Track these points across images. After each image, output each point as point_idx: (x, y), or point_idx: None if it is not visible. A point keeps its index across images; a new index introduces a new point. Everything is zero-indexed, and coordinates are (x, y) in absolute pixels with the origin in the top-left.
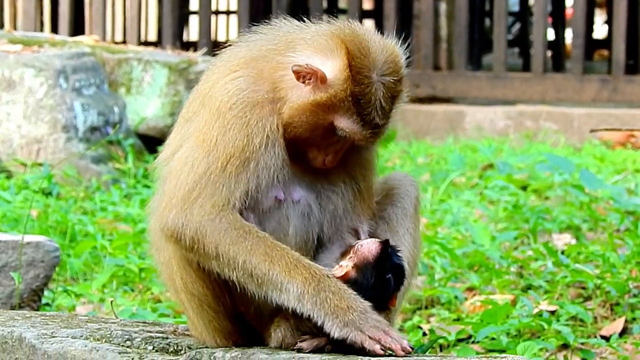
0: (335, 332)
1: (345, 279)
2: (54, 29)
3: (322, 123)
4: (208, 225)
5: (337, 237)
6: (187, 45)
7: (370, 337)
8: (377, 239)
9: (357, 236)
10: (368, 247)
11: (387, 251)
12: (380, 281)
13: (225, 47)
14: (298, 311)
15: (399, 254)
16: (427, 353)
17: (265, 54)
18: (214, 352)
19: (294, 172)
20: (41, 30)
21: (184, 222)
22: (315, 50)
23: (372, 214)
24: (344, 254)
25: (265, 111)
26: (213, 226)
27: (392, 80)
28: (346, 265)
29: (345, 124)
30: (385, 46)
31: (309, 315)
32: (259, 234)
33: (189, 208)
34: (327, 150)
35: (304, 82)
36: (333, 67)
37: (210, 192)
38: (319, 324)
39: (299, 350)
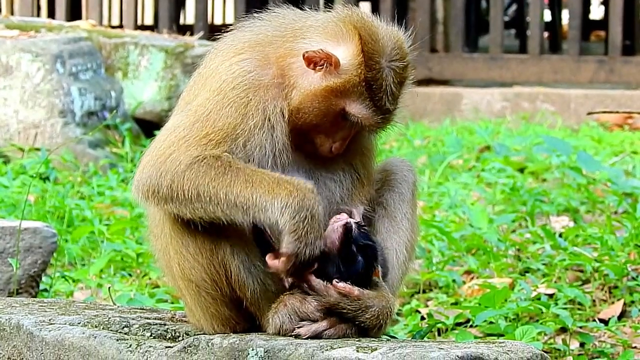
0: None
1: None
2: (51, 14)
3: (334, 109)
4: (185, 171)
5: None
6: (184, 29)
7: None
8: (342, 222)
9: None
10: (330, 237)
11: (350, 234)
12: (348, 261)
13: (226, 31)
14: (281, 223)
15: (365, 232)
16: (425, 338)
17: (271, 40)
18: (212, 339)
19: (294, 159)
20: (38, 15)
21: (158, 175)
22: (327, 36)
23: (370, 200)
24: None
25: (269, 95)
26: (190, 171)
27: (400, 66)
28: None
29: (357, 109)
30: (391, 32)
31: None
32: (238, 165)
33: (163, 160)
34: (335, 137)
35: (314, 69)
36: (346, 53)
37: (184, 149)
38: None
39: (297, 336)
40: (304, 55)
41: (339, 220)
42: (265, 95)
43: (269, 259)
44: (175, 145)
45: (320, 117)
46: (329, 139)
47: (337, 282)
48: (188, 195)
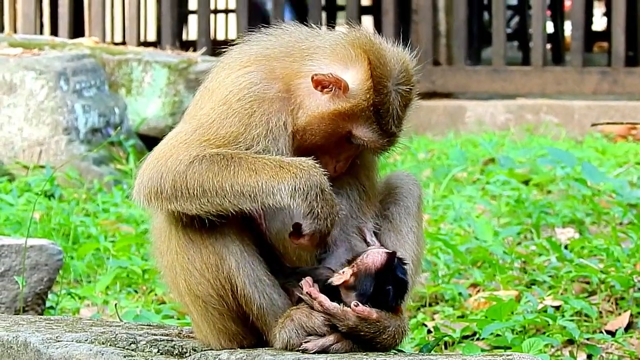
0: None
1: (344, 285)
2: (54, 31)
3: (340, 132)
4: (187, 169)
5: (342, 239)
6: (187, 45)
7: None
8: (385, 250)
9: (363, 236)
10: (373, 257)
11: (392, 264)
12: (380, 292)
13: (231, 45)
14: (293, 207)
15: (405, 267)
16: (432, 352)
17: (278, 56)
18: (219, 354)
19: None
20: (41, 32)
21: (159, 175)
22: (336, 59)
23: (377, 213)
24: (350, 261)
25: (274, 108)
26: (192, 169)
27: (406, 89)
28: (345, 273)
29: (363, 132)
30: (398, 55)
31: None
32: (239, 155)
33: (163, 162)
34: (339, 157)
35: (321, 91)
36: (355, 77)
37: (184, 149)
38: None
39: (304, 351)
40: (312, 78)
41: (384, 248)
42: (269, 108)
43: (293, 239)
44: (175, 148)
45: (326, 139)
46: (332, 159)
47: (355, 305)
48: (193, 192)
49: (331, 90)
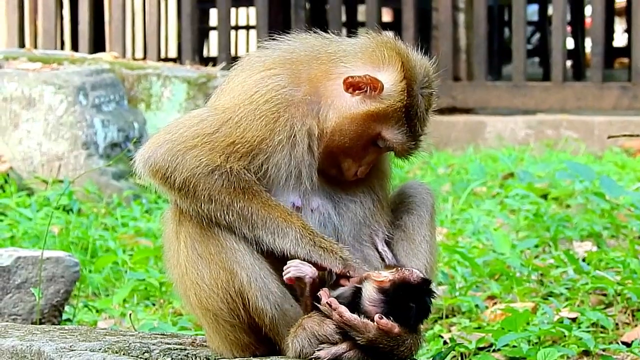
0: (336, 268)
1: (379, 285)
2: (74, 48)
3: (370, 133)
4: (202, 178)
5: (356, 248)
6: (207, 61)
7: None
8: (422, 274)
9: (375, 245)
10: (412, 273)
11: (425, 287)
12: (404, 306)
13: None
14: (291, 253)
15: (433, 297)
16: None
17: (303, 59)
18: None
19: (317, 180)
20: (62, 48)
21: (174, 163)
22: (367, 61)
23: (389, 222)
24: (387, 267)
25: (299, 112)
26: (208, 178)
27: (430, 93)
28: (385, 276)
29: (392, 134)
30: (421, 59)
31: (305, 257)
32: (254, 188)
33: (183, 151)
34: (362, 161)
35: (352, 92)
36: (389, 78)
37: (208, 150)
38: (317, 262)
39: (317, 359)
40: (345, 79)
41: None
42: (296, 112)
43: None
44: (200, 141)
45: (355, 141)
46: (355, 163)
47: (380, 318)
48: (200, 196)
49: (364, 92)
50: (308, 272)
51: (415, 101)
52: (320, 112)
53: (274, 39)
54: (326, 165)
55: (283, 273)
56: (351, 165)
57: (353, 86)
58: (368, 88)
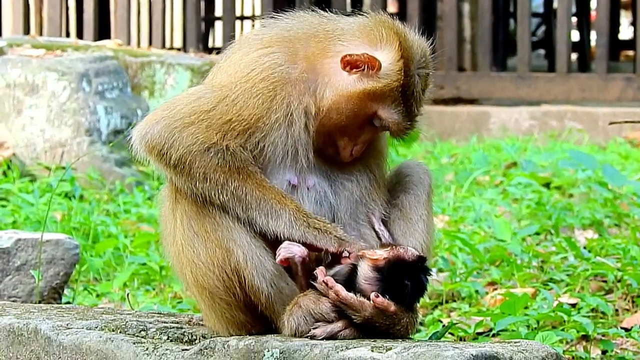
0: (331, 247)
1: (373, 264)
2: (79, 36)
3: (366, 112)
4: (198, 155)
5: (353, 227)
6: (212, 51)
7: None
8: (419, 253)
9: (371, 224)
10: (406, 250)
11: (420, 264)
12: (399, 284)
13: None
14: (286, 235)
15: (429, 275)
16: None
17: (300, 37)
18: (228, 341)
19: (313, 159)
20: (67, 36)
21: (171, 140)
22: (365, 39)
23: (386, 201)
24: (383, 246)
25: (296, 90)
26: (204, 156)
27: (427, 73)
28: (380, 254)
29: (389, 114)
30: (418, 40)
31: (300, 239)
32: (250, 168)
33: (180, 128)
34: (358, 140)
35: (349, 71)
36: (386, 57)
37: (205, 128)
38: (312, 243)
39: (313, 337)
40: (343, 57)
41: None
42: (292, 91)
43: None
44: (196, 118)
45: (351, 119)
46: (351, 142)
47: (376, 296)
48: (195, 174)
49: (361, 70)
50: (297, 251)
51: (412, 81)
52: (317, 90)
53: (274, 16)
54: (322, 144)
55: (275, 255)
56: (347, 144)
57: (350, 64)
58: (365, 66)
